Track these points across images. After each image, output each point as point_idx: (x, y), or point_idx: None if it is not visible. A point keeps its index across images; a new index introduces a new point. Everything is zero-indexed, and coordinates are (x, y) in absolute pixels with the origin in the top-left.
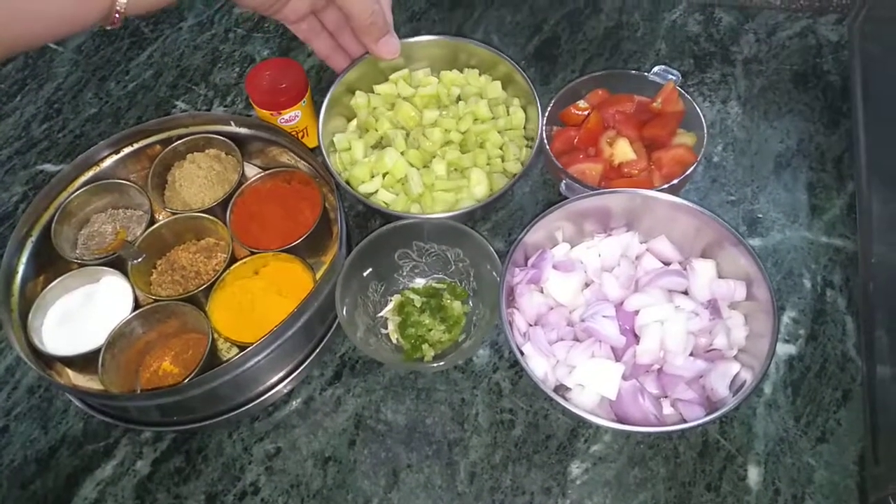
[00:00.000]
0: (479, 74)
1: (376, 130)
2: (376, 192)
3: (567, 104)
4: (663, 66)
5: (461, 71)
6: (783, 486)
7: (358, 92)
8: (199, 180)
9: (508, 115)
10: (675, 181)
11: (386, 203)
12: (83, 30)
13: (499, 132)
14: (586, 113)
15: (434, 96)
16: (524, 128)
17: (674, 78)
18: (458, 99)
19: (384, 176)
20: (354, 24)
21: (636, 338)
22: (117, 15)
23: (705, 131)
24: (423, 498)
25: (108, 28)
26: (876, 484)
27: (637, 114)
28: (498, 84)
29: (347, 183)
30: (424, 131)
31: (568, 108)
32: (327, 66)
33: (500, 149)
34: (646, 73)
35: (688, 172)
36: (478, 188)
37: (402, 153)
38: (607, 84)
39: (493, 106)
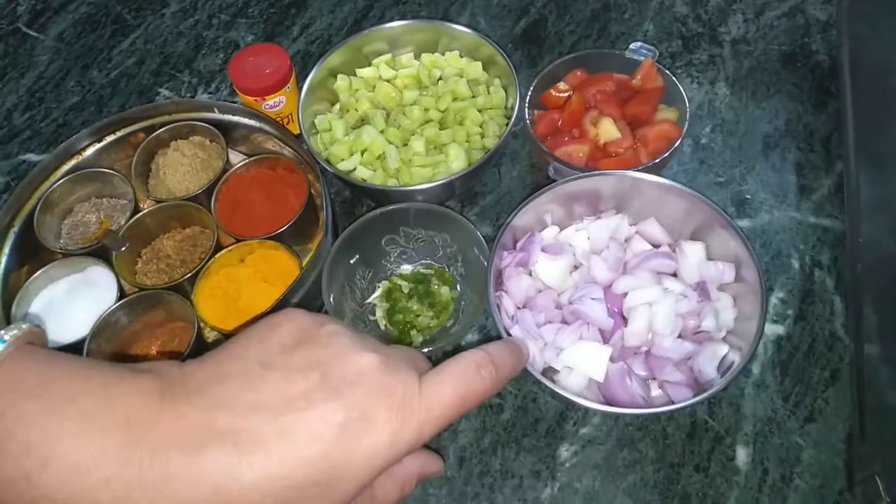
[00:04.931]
0: (461, 57)
1: (356, 111)
2: (354, 169)
3: (547, 87)
4: (640, 43)
5: (443, 55)
6: (771, 466)
7: (340, 75)
8: (183, 168)
9: (489, 94)
10: (665, 155)
11: (363, 179)
12: None
13: (479, 111)
14: (566, 95)
15: (415, 77)
16: (505, 107)
17: (650, 54)
18: (439, 79)
19: (363, 153)
20: None
21: (624, 320)
22: None
23: (687, 104)
24: None
25: None
26: (862, 462)
27: (618, 92)
28: (478, 65)
29: (327, 161)
30: (404, 110)
31: (548, 91)
32: (312, 51)
33: (480, 126)
34: (622, 51)
35: (675, 147)
36: (455, 163)
37: (381, 132)
38: (585, 64)
39: (474, 86)
